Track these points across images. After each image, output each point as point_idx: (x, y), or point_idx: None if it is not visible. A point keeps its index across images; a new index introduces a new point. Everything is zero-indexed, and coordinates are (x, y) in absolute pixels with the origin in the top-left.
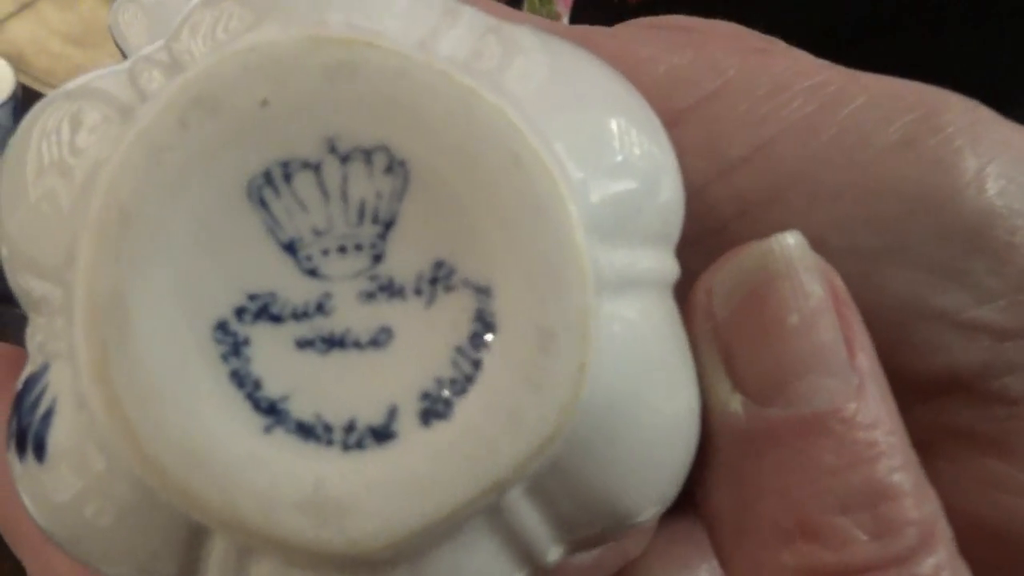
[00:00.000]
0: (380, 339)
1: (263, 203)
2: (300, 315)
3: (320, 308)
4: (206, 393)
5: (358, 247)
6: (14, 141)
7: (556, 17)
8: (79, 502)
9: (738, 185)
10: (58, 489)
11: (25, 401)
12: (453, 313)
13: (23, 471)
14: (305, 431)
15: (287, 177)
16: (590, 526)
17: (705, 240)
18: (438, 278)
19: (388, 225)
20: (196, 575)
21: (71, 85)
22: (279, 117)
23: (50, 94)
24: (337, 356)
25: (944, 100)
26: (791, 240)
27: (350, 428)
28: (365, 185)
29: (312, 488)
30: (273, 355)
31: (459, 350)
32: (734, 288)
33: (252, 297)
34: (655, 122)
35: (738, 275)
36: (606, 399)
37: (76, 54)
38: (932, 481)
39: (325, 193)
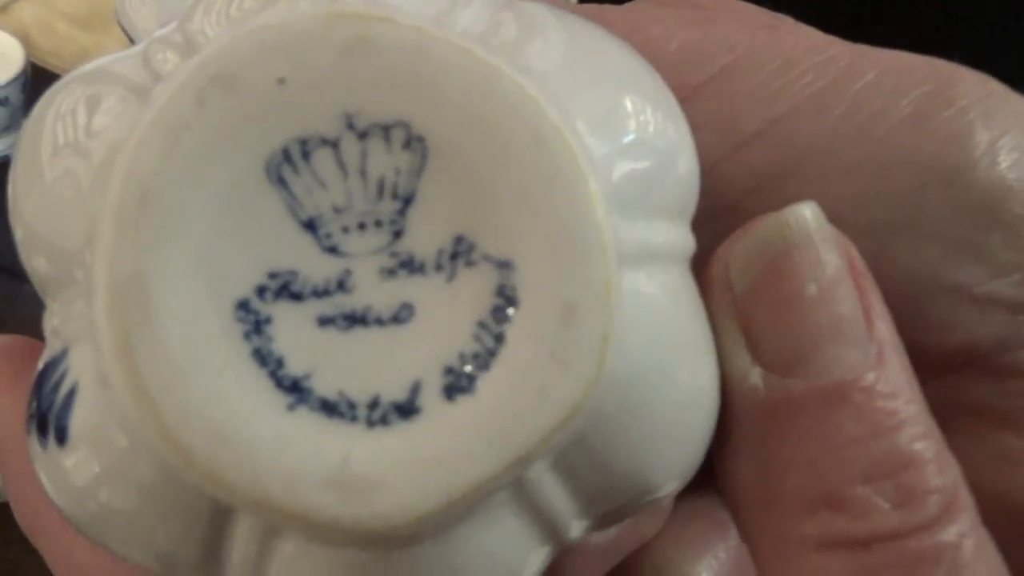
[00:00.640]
0: (402, 315)
1: (282, 181)
2: (321, 293)
3: (341, 285)
4: (229, 372)
5: (378, 223)
6: (28, 125)
7: None
8: (101, 484)
9: (751, 160)
10: (80, 471)
11: (45, 385)
12: (475, 288)
13: (44, 455)
14: (329, 408)
15: (305, 154)
16: (613, 500)
17: (719, 215)
18: (459, 253)
19: (407, 201)
20: (220, 556)
21: (85, 68)
22: (296, 94)
23: (64, 78)
24: (359, 333)
25: (956, 73)
26: (807, 212)
27: (374, 404)
28: (384, 161)
29: (338, 465)
30: (295, 333)
31: (482, 324)
32: (751, 260)
33: (273, 275)
34: (671, 98)
35: (755, 247)
36: (629, 372)
37: (81, 36)
38: None
39: (344, 170)
